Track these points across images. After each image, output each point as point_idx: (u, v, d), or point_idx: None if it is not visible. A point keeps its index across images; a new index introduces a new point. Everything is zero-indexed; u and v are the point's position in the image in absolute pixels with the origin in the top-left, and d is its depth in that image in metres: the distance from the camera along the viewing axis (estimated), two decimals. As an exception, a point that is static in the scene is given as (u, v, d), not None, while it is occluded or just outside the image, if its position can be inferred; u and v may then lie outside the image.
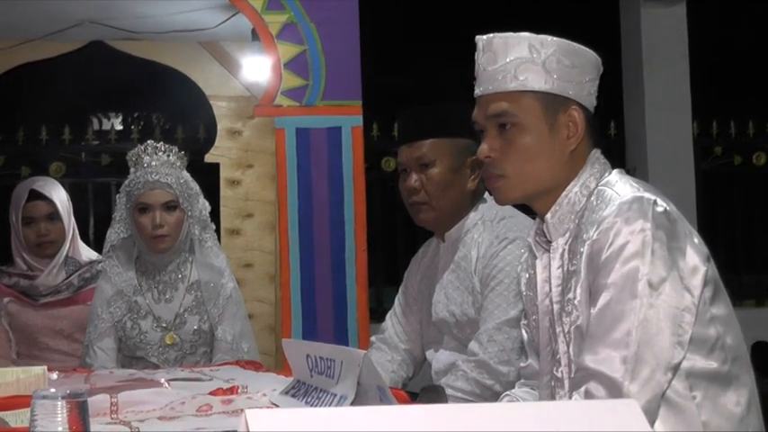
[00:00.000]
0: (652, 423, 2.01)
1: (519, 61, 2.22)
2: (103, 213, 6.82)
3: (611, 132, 7.65)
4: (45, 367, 2.55)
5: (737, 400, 2.13)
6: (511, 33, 2.26)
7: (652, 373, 1.99)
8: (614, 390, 1.99)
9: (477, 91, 2.31)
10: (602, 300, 2.05)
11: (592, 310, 2.08)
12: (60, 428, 1.38)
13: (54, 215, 4.11)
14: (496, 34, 2.27)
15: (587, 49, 2.29)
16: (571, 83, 2.24)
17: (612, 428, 1.21)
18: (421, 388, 2.36)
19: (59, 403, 1.40)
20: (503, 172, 2.27)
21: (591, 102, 2.29)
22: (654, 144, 7.26)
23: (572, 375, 2.16)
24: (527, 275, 2.42)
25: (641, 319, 2.00)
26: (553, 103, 2.24)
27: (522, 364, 2.56)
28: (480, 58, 2.29)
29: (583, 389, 2.04)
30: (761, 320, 6.79)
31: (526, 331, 2.47)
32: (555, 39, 2.24)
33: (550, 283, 2.27)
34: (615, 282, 2.03)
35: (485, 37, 2.29)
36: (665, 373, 2.01)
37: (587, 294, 2.11)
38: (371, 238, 4.77)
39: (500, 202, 2.38)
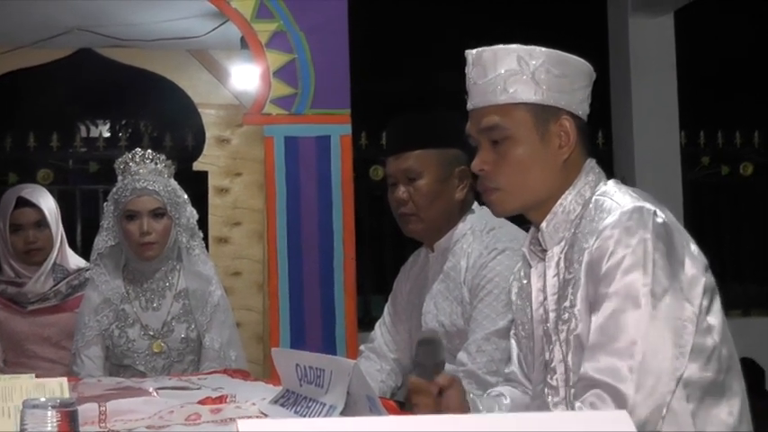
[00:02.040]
0: None
1: (508, 74, 2.23)
2: (91, 220, 6.81)
3: (599, 142, 7.68)
4: (33, 375, 2.54)
5: (730, 410, 2.14)
6: (500, 46, 2.26)
7: (657, 384, 2.00)
8: (620, 400, 1.99)
9: (469, 105, 2.32)
10: (605, 309, 2.05)
11: (593, 319, 2.08)
12: (50, 438, 1.38)
13: (42, 222, 4.10)
14: (486, 48, 2.28)
15: (578, 57, 2.29)
16: (561, 93, 2.24)
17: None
18: (417, 340, 2.37)
19: (50, 412, 1.40)
20: (497, 185, 2.28)
21: (583, 110, 2.30)
22: (641, 154, 7.27)
23: (568, 383, 2.16)
24: (519, 285, 2.43)
25: (645, 329, 2.01)
26: (544, 114, 2.24)
27: (506, 370, 2.57)
28: (470, 72, 2.30)
29: (588, 399, 2.04)
30: (747, 331, 6.81)
31: (516, 341, 2.48)
32: (544, 49, 2.25)
33: (545, 292, 2.27)
34: (617, 291, 2.04)
35: (474, 51, 2.30)
36: (669, 383, 2.02)
37: (587, 303, 2.11)
38: (359, 247, 4.77)
39: (497, 214, 2.38)
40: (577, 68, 2.28)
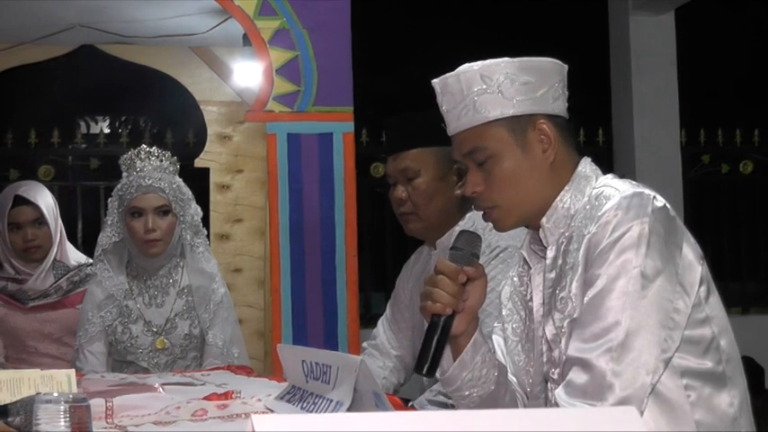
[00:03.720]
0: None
1: (475, 94, 2.23)
2: (92, 217, 6.83)
3: (600, 140, 7.68)
4: (38, 371, 2.55)
5: (731, 401, 2.14)
6: (462, 68, 2.26)
7: (638, 363, 1.99)
8: (597, 376, 1.99)
9: (448, 132, 2.34)
10: (594, 289, 2.06)
11: (584, 299, 2.09)
12: (63, 433, 1.39)
13: (40, 220, 4.10)
14: (449, 74, 2.28)
15: (542, 58, 2.28)
16: (531, 99, 2.24)
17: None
18: (459, 230, 2.36)
19: (62, 407, 1.41)
20: (492, 203, 2.29)
21: (559, 108, 2.29)
22: (642, 152, 7.28)
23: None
24: (511, 288, 2.43)
25: (630, 309, 2.01)
26: (519, 125, 2.24)
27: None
28: (441, 102, 2.31)
29: (568, 376, 2.06)
30: (746, 328, 6.82)
31: (502, 339, 2.47)
32: (505, 60, 2.24)
33: (545, 288, 2.28)
34: (609, 272, 2.04)
35: (439, 80, 2.31)
36: (653, 363, 2.01)
37: (582, 287, 2.12)
38: (360, 244, 4.77)
39: (500, 230, 2.38)
40: (543, 70, 2.27)
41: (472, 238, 2.27)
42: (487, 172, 2.26)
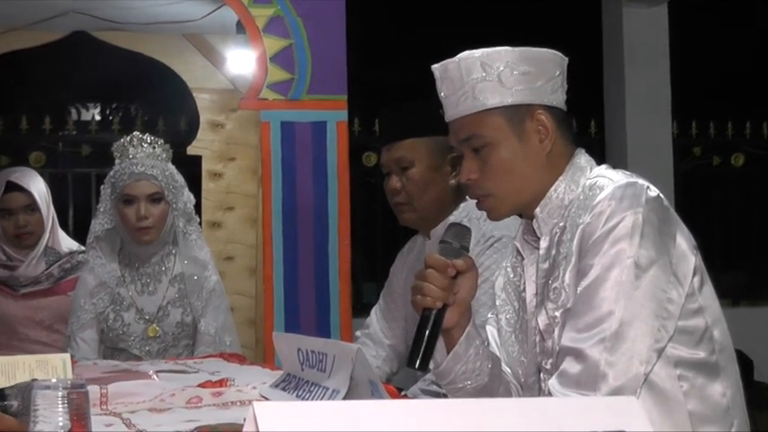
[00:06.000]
0: None
1: (475, 82, 2.23)
2: (83, 204, 6.81)
3: (592, 131, 7.70)
4: (34, 355, 2.54)
5: (724, 391, 2.15)
6: (463, 55, 2.26)
7: (631, 352, 1.99)
8: (591, 366, 1.99)
9: (446, 118, 2.34)
10: (587, 279, 2.06)
11: (578, 290, 2.09)
12: (61, 419, 1.39)
13: (32, 206, 4.09)
14: (449, 60, 2.28)
15: (543, 49, 2.28)
16: (530, 89, 2.24)
17: (613, 427, 1.21)
18: (449, 224, 2.36)
19: (61, 393, 1.40)
20: (487, 191, 2.29)
21: (557, 100, 2.29)
22: (634, 143, 7.30)
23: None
24: (505, 279, 2.43)
25: (624, 299, 2.01)
26: (517, 114, 2.24)
27: None
28: (440, 87, 2.31)
29: (561, 366, 2.06)
30: (736, 320, 6.82)
31: (496, 329, 2.47)
32: (506, 49, 2.24)
33: (538, 279, 2.28)
34: (602, 261, 2.04)
35: (439, 65, 2.31)
36: (647, 353, 2.01)
37: (576, 277, 2.12)
38: (351, 234, 4.77)
39: (493, 219, 2.38)
40: (543, 61, 2.27)
41: (461, 231, 2.26)
42: (483, 160, 2.26)
